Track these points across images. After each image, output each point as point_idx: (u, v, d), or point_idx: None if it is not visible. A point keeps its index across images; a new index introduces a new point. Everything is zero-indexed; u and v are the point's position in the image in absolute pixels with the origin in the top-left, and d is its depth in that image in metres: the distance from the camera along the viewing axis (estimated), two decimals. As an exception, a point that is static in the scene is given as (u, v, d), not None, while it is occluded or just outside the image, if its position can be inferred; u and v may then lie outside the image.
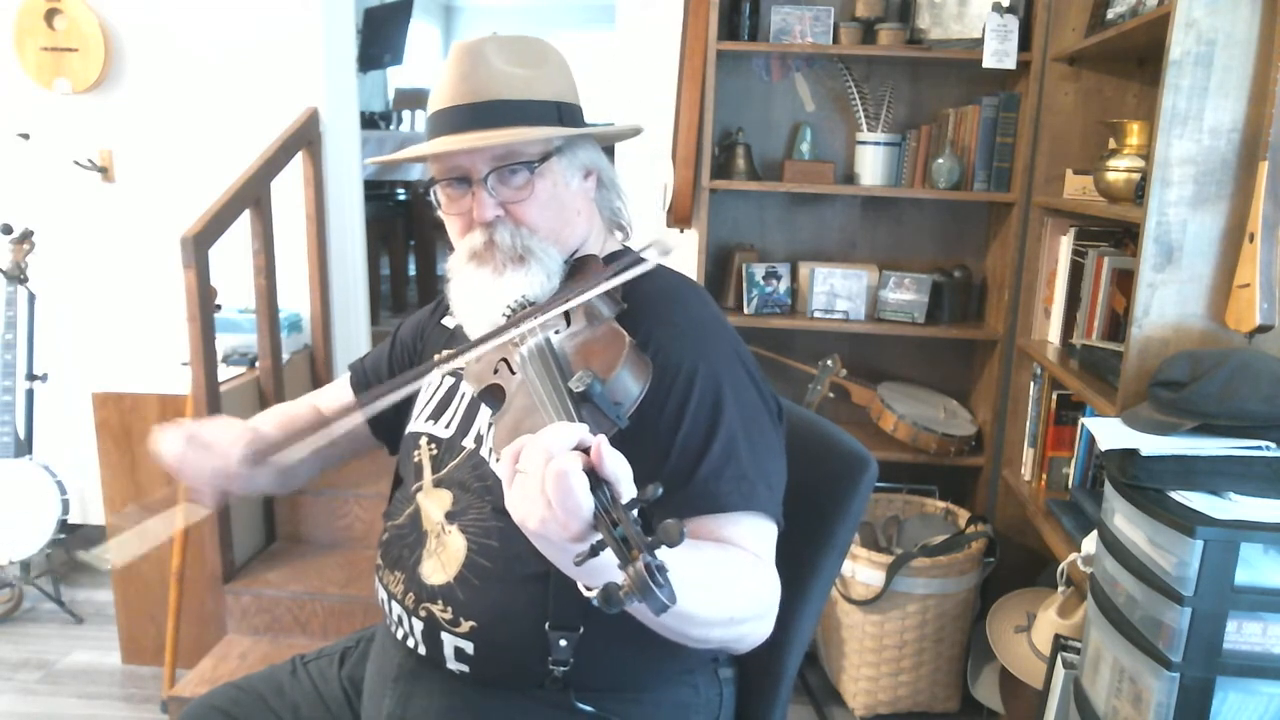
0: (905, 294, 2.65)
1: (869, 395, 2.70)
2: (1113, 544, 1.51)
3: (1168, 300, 1.68)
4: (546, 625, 1.03)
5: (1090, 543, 1.71)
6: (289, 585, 2.43)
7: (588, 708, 1.07)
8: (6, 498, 2.72)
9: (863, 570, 2.29)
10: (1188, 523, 1.34)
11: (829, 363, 2.69)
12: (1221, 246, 1.65)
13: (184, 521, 1.11)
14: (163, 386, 2.50)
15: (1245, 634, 1.35)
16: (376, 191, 4.61)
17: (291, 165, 2.72)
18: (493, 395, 0.99)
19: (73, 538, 2.89)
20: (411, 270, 4.75)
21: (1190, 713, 1.37)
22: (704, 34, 2.46)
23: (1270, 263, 1.57)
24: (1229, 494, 1.42)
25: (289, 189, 2.77)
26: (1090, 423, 1.83)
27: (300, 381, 2.87)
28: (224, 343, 2.62)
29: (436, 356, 1.24)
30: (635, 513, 0.70)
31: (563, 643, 1.03)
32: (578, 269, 1.11)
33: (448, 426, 1.16)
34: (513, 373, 0.98)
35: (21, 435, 2.78)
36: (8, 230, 2.76)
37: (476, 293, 1.08)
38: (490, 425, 1.10)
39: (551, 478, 0.71)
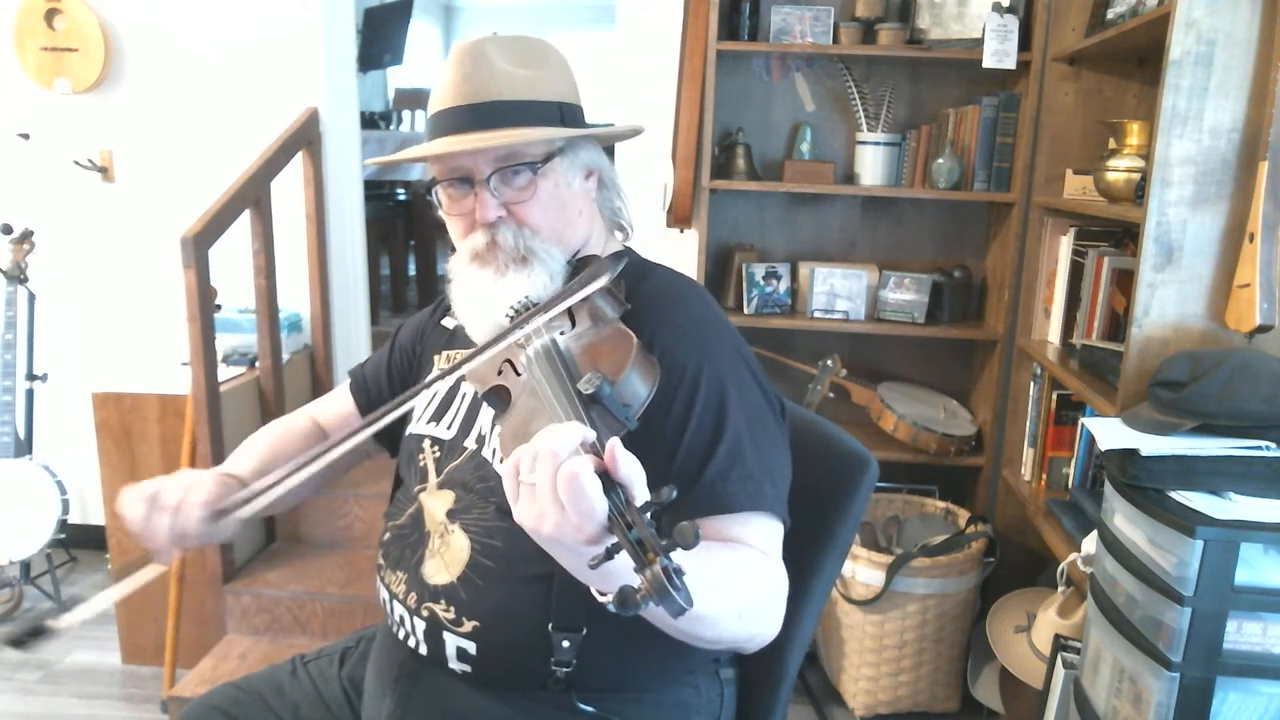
0: (905, 294, 2.65)
1: (869, 395, 2.70)
2: (1113, 544, 1.51)
3: (1168, 300, 1.68)
4: (549, 626, 1.03)
5: (1090, 543, 1.71)
6: (289, 585, 2.43)
7: (589, 708, 1.07)
8: (6, 498, 2.72)
9: (863, 570, 2.29)
10: (1188, 523, 1.34)
11: (829, 363, 2.69)
12: (1221, 246, 1.65)
13: (151, 577, 1.09)
14: (163, 386, 2.50)
15: (1245, 634, 1.35)
16: (376, 191, 4.61)
17: (291, 165, 2.72)
18: (497, 396, 0.98)
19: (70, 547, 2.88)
20: (411, 270, 4.75)
21: (1190, 713, 1.37)
22: (704, 34, 2.46)
23: (1270, 263, 1.57)
24: (1229, 494, 1.42)
25: (289, 189, 2.77)
26: (1090, 423, 1.83)
27: (300, 381, 2.87)
28: (224, 343, 2.62)
29: (437, 357, 1.24)
30: (649, 515, 0.70)
31: (565, 644, 1.03)
32: (580, 269, 1.11)
33: (449, 428, 1.16)
34: (518, 374, 0.97)
35: (21, 435, 2.78)
36: (8, 230, 2.76)
37: (479, 294, 1.08)
38: (494, 426, 1.10)
39: (564, 480, 0.70)
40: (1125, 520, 1.49)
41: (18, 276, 2.74)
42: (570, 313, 1.02)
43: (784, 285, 2.71)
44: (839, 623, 2.38)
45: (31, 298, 2.81)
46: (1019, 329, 2.53)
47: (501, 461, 1.05)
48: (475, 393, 1.12)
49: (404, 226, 4.58)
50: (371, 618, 2.35)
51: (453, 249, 1.15)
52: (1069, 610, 1.93)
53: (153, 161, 2.93)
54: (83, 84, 2.84)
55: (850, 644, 2.36)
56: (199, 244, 2.23)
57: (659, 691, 1.11)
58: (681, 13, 2.58)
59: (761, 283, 2.69)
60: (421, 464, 1.16)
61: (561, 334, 0.99)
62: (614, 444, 0.72)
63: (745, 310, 2.69)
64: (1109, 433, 1.56)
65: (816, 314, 2.67)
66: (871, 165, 2.63)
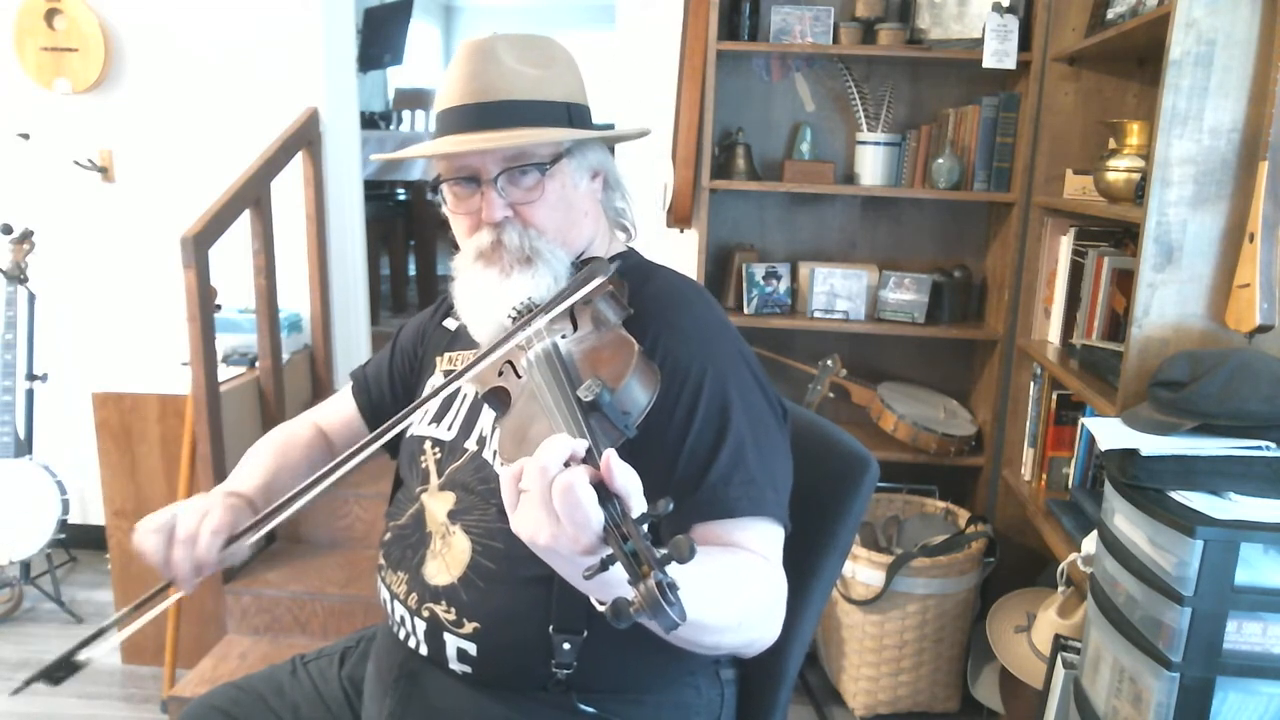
0: (905, 294, 2.65)
1: (869, 395, 2.70)
2: (1113, 544, 1.51)
3: (1168, 300, 1.68)
4: (550, 628, 1.03)
5: (1090, 543, 1.71)
6: (289, 585, 2.43)
7: (590, 709, 1.07)
8: (6, 498, 2.72)
9: (863, 570, 2.29)
10: (1188, 523, 1.34)
11: (829, 363, 2.69)
12: (1221, 246, 1.65)
13: (172, 602, 1.11)
14: (163, 386, 2.50)
15: (1245, 634, 1.35)
16: (376, 191, 4.61)
17: (291, 165, 2.72)
18: (497, 398, 0.98)
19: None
20: (411, 270, 4.75)
21: (1190, 713, 1.37)
22: (704, 34, 2.46)
23: (1270, 263, 1.57)
24: (1229, 494, 1.42)
25: (289, 189, 2.77)
26: (1090, 423, 1.83)
27: (300, 381, 2.87)
28: (224, 343, 2.62)
29: (439, 359, 1.24)
30: (645, 527, 0.70)
31: (566, 646, 1.03)
32: (595, 273, 1.11)
33: (450, 429, 1.16)
34: (518, 376, 0.97)
35: (21, 435, 2.78)
36: (8, 230, 2.76)
37: (482, 293, 1.08)
38: (494, 428, 1.10)
39: (559, 491, 0.70)
40: (1125, 520, 1.49)
41: (18, 276, 2.74)
42: (573, 316, 1.02)
43: (784, 285, 2.71)
44: (839, 623, 2.38)
45: (31, 298, 2.81)
46: (1019, 329, 2.53)
47: (502, 464, 1.05)
48: (476, 394, 1.12)
49: (404, 226, 4.58)
50: (371, 618, 2.35)
51: (454, 248, 1.14)
52: (1069, 610, 1.93)
53: (153, 161, 2.93)
54: (83, 84, 2.84)
55: (850, 644, 2.36)
56: (199, 244, 2.23)
57: (659, 692, 1.11)
58: (681, 13, 2.58)
59: (761, 283, 2.69)
60: (423, 465, 1.16)
61: (563, 337, 0.98)
62: (610, 455, 0.72)
63: (745, 310, 2.69)
64: (1109, 433, 1.56)
65: (816, 314, 2.67)
66: (871, 165, 2.63)
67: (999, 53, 2.40)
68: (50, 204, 2.96)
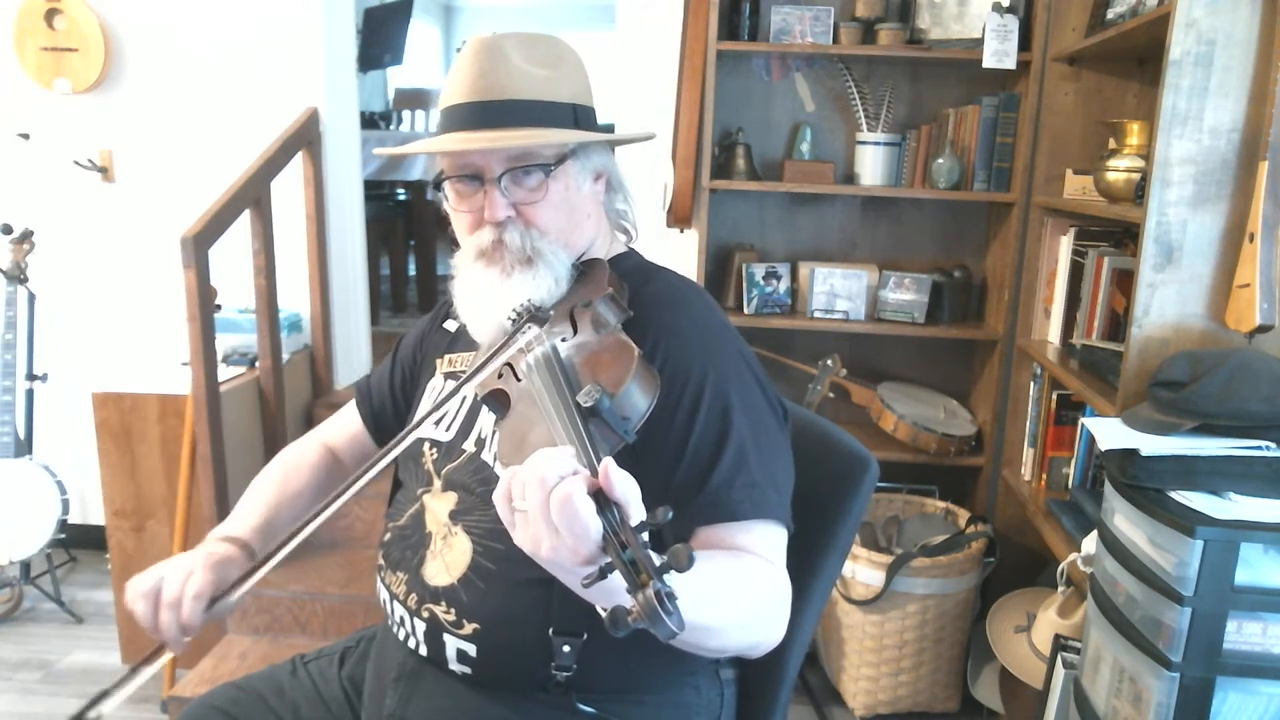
0: (905, 294, 2.65)
1: (869, 395, 2.70)
2: (1113, 544, 1.51)
3: (1168, 300, 1.68)
4: (550, 630, 1.03)
5: (1090, 543, 1.71)
6: (289, 585, 2.43)
7: (589, 709, 1.07)
8: (6, 498, 2.72)
9: (863, 570, 2.29)
10: (1188, 523, 1.34)
11: (829, 363, 2.69)
12: (1221, 246, 1.65)
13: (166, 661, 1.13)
14: (163, 386, 2.50)
15: (1245, 634, 1.35)
16: (376, 191, 4.61)
17: (291, 165, 2.72)
18: (496, 400, 0.98)
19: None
20: (411, 270, 4.75)
21: (1190, 713, 1.37)
22: (704, 34, 2.46)
23: (1270, 263, 1.57)
24: (1229, 494, 1.42)
25: (289, 189, 2.77)
26: (1090, 423, 1.83)
27: (300, 381, 2.87)
28: (224, 343, 2.62)
29: (439, 361, 1.24)
30: (645, 535, 0.69)
31: (566, 648, 1.03)
32: (585, 272, 1.11)
33: (448, 430, 1.16)
34: (518, 379, 0.97)
35: (21, 435, 2.78)
36: (8, 230, 2.76)
37: (483, 293, 1.07)
38: (494, 431, 1.10)
39: (557, 504, 0.70)
40: (1125, 520, 1.49)
41: (18, 276, 2.74)
42: (572, 319, 1.02)
43: (784, 285, 2.71)
44: (839, 623, 2.38)
45: (31, 298, 2.81)
46: (1019, 329, 2.53)
47: (502, 468, 1.05)
48: (475, 396, 1.12)
49: (404, 226, 4.57)
50: (371, 618, 2.34)
51: (454, 247, 1.14)
52: (1069, 610, 1.93)
53: (153, 161, 2.93)
54: (83, 84, 2.84)
55: (850, 644, 2.36)
56: (199, 244, 2.23)
57: (659, 693, 1.11)
58: (681, 13, 2.58)
59: (761, 283, 2.69)
60: (425, 467, 1.16)
61: (563, 340, 0.98)
62: (608, 463, 0.72)
63: (745, 310, 2.69)
64: (1109, 433, 1.56)
65: (816, 314, 2.67)
66: (871, 165, 2.63)
67: (999, 53, 2.40)
68: (50, 204, 2.96)
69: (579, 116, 1.10)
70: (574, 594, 0.79)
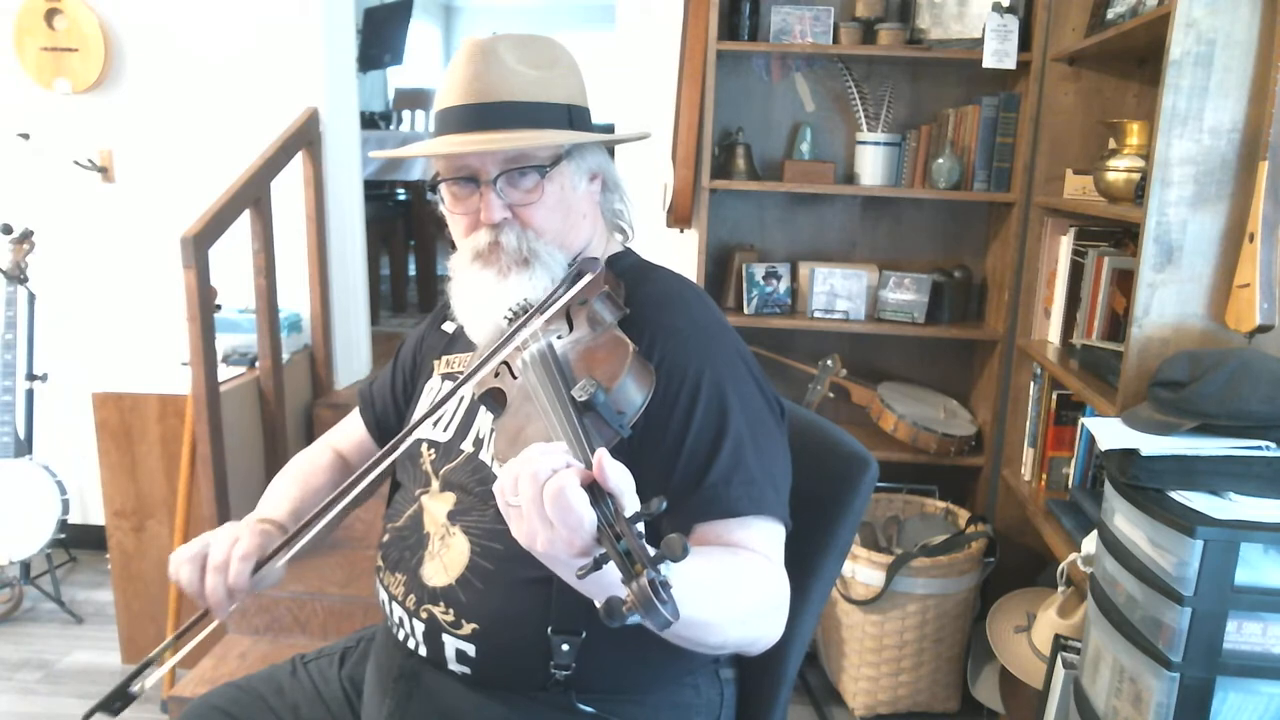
0: (905, 294, 2.65)
1: (869, 395, 2.70)
2: (1113, 544, 1.51)
3: (1168, 300, 1.68)
4: (549, 629, 1.03)
5: (1090, 543, 1.71)
6: (289, 585, 2.43)
7: (589, 709, 1.07)
8: (6, 498, 2.72)
9: (863, 570, 2.29)
10: (1188, 523, 1.34)
11: (829, 363, 2.69)
12: (1221, 246, 1.65)
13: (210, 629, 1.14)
14: (163, 386, 2.51)
15: (1245, 634, 1.35)
16: (376, 191, 4.61)
17: (291, 165, 2.72)
18: (493, 399, 0.98)
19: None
20: (411, 270, 4.75)
21: (1190, 713, 1.37)
22: (704, 34, 2.46)
23: (1270, 263, 1.57)
24: (1229, 494, 1.42)
25: (289, 189, 2.77)
26: (1090, 423, 1.83)
27: (300, 381, 2.87)
28: (224, 343, 2.62)
29: (436, 362, 1.24)
30: (640, 526, 0.70)
31: (565, 647, 1.03)
32: (582, 272, 1.11)
33: (445, 430, 1.16)
34: (514, 377, 0.97)
35: (21, 435, 2.78)
36: (8, 230, 2.76)
37: (479, 294, 1.08)
38: (491, 430, 1.10)
39: (550, 496, 0.71)
40: (1125, 520, 1.49)
41: (18, 276, 2.74)
42: (568, 317, 1.02)
43: (784, 285, 2.71)
44: (839, 623, 2.38)
45: (31, 298, 2.81)
46: (1019, 329, 2.53)
47: (499, 466, 1.05)
48: (472, 395, 1.12)
49: (404, 227, 4.58)
50: (371, 618, 2.35)
51: (453, 248, 1.15)
52: (1069, 610, 1.93)
53: (153, 161, 2.93)
54: (83, 84, 2.84)
55: (850, 644, 2.36)
56: (199, 244, 2.23)
57: (659, 692, 1.11)
58: (681, 13, 2.58)
59: (761, 283, 2.69)
60: (423, 467, 1.16)
61: (559, 338, 0.99)
62: (602, 454, 0.72)
63: (745, 310, 2.69)
64: (1109, 433, 1.56)
65: (816, 314, 2.67)
66: (871, 165, 2.63)
67: (999, 53, 2.40)
68: (50, 204, 2.96)
69: (574, 117, 1.10)
70: (573, 592, 0.79)
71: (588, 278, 1.02)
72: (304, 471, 1.31)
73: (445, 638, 1.07)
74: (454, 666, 1.08)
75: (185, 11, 2.83)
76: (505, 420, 0.94)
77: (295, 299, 2.90)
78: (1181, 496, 1.43)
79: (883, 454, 2.46)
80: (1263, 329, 1.58)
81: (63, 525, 2.74)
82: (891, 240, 2.82)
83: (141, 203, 2.95)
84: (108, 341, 3.04)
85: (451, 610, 1.07)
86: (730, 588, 0.91)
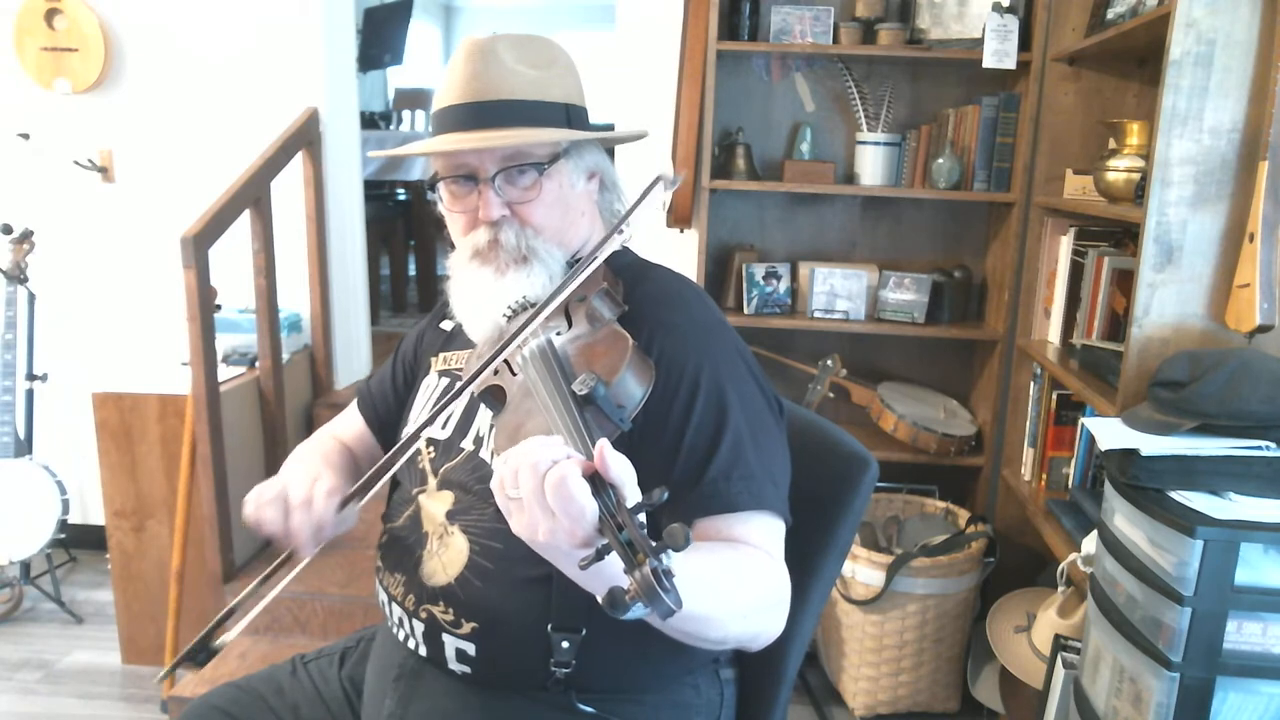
0: (905, 294, 2.65)
1: (869, 395, 2.70)
2: (1113, 544, 1.51)
3: (1168, 300, 1.68)
4: (549, 627, 1.03)
5: (1090, 543, 1.71)
6: (289, 585, 2.42)
7: (589, 709, 1.07)
8: (6, 498, 2.72)
9: (863, 570, 2.29)
10: (1188, 523, 1.34)
11: (829, 363, 2.69)
12: (1221, 246, 1.65)
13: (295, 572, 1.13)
14: (163, 386, 2.50)
15: (1245, 634, 1.35)
16: (376, 191, 4.61)
17: (291, 165, 2.72)
18: (493, 396, 0.98)
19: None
20: (411, 270, 4.75)
21: (1190, 713, 1.37)
22: (704, 34, 2.46)
23: (1270, 263, 1.57)
24: (1229, 494, 1.42)
25: (289, 189, 2.77)
26: (1090, 423, 1.83)
27: (300, 381, 2.88)
28: (224, 343, 2.62)
29: (434, 359, 1.24)
30: (641, 517, 0.70)
31: (565, 644, 1.03)
32: (580, 270, 1.11)
33: (444, 428, 1.16)
34: (514, 374, 0.98)
35: (21, 435, 2.78)
36: (8, 230, 2.76)
37: (478, 292, 1.08)
38: (491, 427, 1.10)
39: (551, 486, 0.71)
40: (1125, 520, 1.49)
41: (18, 276, 2.74)
42: (567, 314, 1.02)
43: (784, 285, 2.71)
44: (839, 623, 2.38)
45: (31, 298, 2.81)
46: (1019, 329, 2.53)
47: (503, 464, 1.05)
48: (471, 393, 1.12)
49: (404, 226, 4.58)
50: (371, 618, 2.34)
51: (453, 247, 1.15)
52: (1069, 610, 1.93)
53: (153, 161, 2.93)
54: (83, 84, 2.84)
55: (850, 644, 2.36)
56: (199, 244, 2.23)
57: (659, 692, 1.11)
58: (681, 13, 2.58)
59: (761, 283, 2.69)
60: (420, 466, 1.16)
61: (558, 334, 0.99)
62: (603, 445, 0.72)
63: (745, 310, 2.69)
64: (1109, 433, 1.56)
65: (816, 314, 2.67)
66: (871, 165, 2.63)
67: (999, 53, 2.40)
68: (50, 204, 2.96)
69: (571, 116, 1.10)
70: (573, 589, 0.79)
71: (590, 269, 1.02)
72: (320, 451, 1.29)
73: (445, 637, 1.07)
74: (454, 666, 1.08)
75: (185, 11, 2.84)
76: (505, 417, 0.94)
77: (295, 299, 2.90)
78: (1181, 496, 1.43)
79: (883, 454, 2.46)
80: (1263, 329, 1.58)
81: (63, 525, 2.74)
82: (891, 240, 2.82)
83: (141, 203, 2.95)
84: (108, 341, 3.04)
85: (451, 609, 1.07)
86: (731, 582, 0.91)
